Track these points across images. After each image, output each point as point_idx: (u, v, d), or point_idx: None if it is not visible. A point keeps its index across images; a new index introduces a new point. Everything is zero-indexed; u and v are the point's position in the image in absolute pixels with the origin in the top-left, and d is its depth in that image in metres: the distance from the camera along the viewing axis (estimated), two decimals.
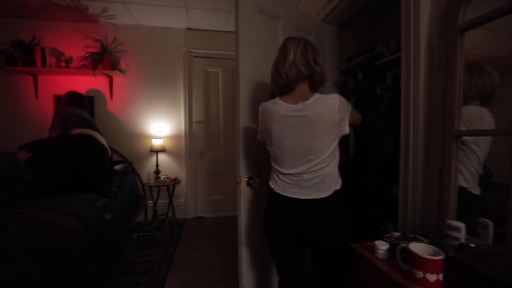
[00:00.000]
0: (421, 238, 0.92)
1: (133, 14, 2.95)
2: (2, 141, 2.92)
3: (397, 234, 0.98)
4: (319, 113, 1.03)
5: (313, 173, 1.06)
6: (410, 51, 1.18)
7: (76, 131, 2.49)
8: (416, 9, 1.14)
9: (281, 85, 1.12)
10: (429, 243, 0.86)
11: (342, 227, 1.11)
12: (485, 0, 0.97)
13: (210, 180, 3.54)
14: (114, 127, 3.23)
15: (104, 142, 2.71)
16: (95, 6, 2.76)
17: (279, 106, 1.09)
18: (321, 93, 1.11)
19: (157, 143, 3.17)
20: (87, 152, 2.47)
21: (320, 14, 2.09)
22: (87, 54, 2.91)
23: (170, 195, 3.18)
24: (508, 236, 0.82)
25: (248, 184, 1.46)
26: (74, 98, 2.70)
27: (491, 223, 0.89)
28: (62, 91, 2.93)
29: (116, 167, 2.88)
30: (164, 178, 3.18)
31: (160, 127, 3.31)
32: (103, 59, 2.95)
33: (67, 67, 2.96)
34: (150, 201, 3.25)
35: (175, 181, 3.18)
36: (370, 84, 2.08)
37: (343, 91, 2.15)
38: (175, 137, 3.39)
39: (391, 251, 0.90)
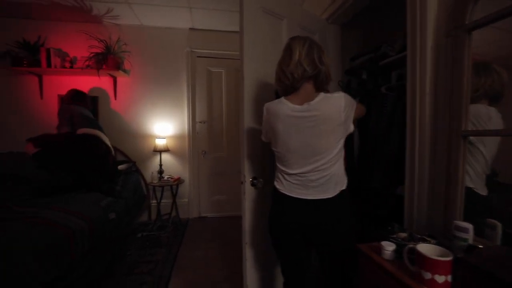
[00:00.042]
0: (428, 239, 0.91)
1: (137, 14, 2.96)
2: (7, 140, 2.95)
3: (403, 234, 0.98)
4: (325, 113, 1.03)
5: (320, 173, 1.06)
6: (416, 51, 1.17)
7: (81, 130, 2.51)
8: (423, 8, 1.13)
9: (286, 84, 1.11)
10: (436, 244, 0.85)
11: (348, 227, 1.11)
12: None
13: (213, 180, 3.54)
14: (118, 127, 3.25)
15: (108, 142, 2.72)
16: (99, 7, 2.78)
17: (284, 106, 1.09)
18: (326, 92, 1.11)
19: (160, 143, 3.18)
20: (90, 152, 2.48)
21: (324, 14, 2.08)
22: (92, 55, 2.93)
23: (174, 195, 3.19)
24: None
25: (253, 184, 1.46)
26: (77, 96, 2.71)
27: (499, 224, 0.88)
28: (66, 91, 2.94)
29: (120, 166, 2.89)
30: (168, 178, 3.19)
31: (163, 127, 3.32)
32: (107, 60, 2.97)
33: (71, 67, 2.98)
34: (154, 201, 3.26)
35: (179, 181, 3.19)
36: (375, 84, 2.07)
37: (347, 91, 2.13)
38: (178, 137, 3.40)
39: (397, 252, 0.90)
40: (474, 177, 1.04)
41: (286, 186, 1.12)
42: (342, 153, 1.10)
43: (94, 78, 3.10)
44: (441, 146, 1.09)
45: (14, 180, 2.50)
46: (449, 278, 0.71)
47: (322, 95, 1.06)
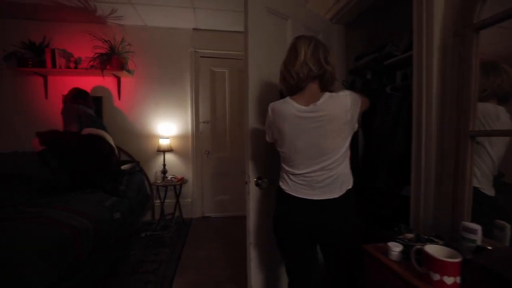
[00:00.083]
0: (435, 240, 0.91)
1: (141, 15, 2.97)
2: (13, 140, 2.98)
3: (410, 235, 0.97)
4: (331, 113, 1.02)
5: (326, 173, 1.05)
6: (422, 50, 1.16)
7: (86, 130, 2.52)
8: (429, 7, 1.12)
9: (291, 84, 1.11)
10: (444, 245, 0.84)
11: (353, 227, 1.10)
12: None
13: (217, 180, 3.55)
14: (122, 127, 3.26)
15: (112, 142, 2.74)
16: (103, 8, 2.79)
17: (290, 106, 1.08)
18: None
19: (164, 143, 3.19)
20: (94, 152, 2.49)
21: (328, 14, 2.08)
22: (96, 55, 2.95)
23: (177, 195, 3.20)
24: None
25: (257, 184, 1.46)
26: (79, 95, 2.70)
27: (508, 225, 0.87)
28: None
29: (124, 166, 2.90)
30: (171, 178, 3.19)
31: (167, 127, 3.33)
32: (111, 60, 2.98)
33: (76, 67, 3.00)
34: (157, 201, 3.27)
35: (182, 181, 3.20)
36: (379, 83, 2.07)
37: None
38: (182, 137, 3.41)
39: (404, 252, 0.89)
40: (480, 177, 1.03)
41: (292, 187, 1.11)
42: (348, 153, 1.10)
43: (98, 78, 3.12)
44: (448, 146, 1.08)
45: (19, 179, 2.53)
46: (458, 279, 0.71)
47: (327, 94, 1.06)
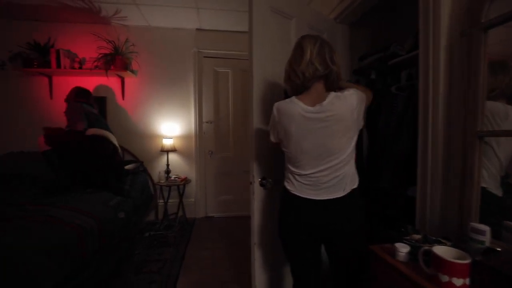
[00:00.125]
0: (443, 241, 0.90)
1: (145, 15, 2.98)
2: (18, 140, 3.00)
3: (417, 236, 0.96)
4: (337, 113, 1.02)
5: (333, 173, 1.05)
6: (429, 50, 1.15)
7: (91, 131, 2.53)
8: (436, 7, 1.11)
9: (297, 84, 1.10)
10: (452, 246, 0.84)
11: (357, 227, 1.10)
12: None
13: (220, 180, 3.55)
14: (125, 127, 3.27)
15: (115, 141, 2.74)
16: (107, 8, 2.81)
17: (296, 106, 1.07)
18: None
19: (167, 143, 3.20)
20: (97, 153, 2.50)
21: (332, 13, 2.07)
22: (100, 56, 2.96)
23: (181, 195, 3.21)
24: None
25: (262, 185, 1.46)
26: (81, 93, 2.71)
27: None
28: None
29: (128, 166, 2.91)
30: (175, 177, 3.20)
31: (170, 127, 3.34)
32: (115, 60, 2.99)
33: (80, 68, 3.02)
34: (161, 201, 3.28)
35: (185, 181, 3.21)
36: (384, 83, 2.06)
37: None
38: (185, 137, 3.42)
39: (412, 254, 0.88)
40: (486, 176, 1.02)
41: (297, 187, 1.11)
42: (354, 152, 1.10)
43: (103, 78, 3.13)
44: (455, 147, 1.07)
45: (25, 179, 2.55)
46: (468, 281, 0.70)
47: (332, 94, 1.05)
